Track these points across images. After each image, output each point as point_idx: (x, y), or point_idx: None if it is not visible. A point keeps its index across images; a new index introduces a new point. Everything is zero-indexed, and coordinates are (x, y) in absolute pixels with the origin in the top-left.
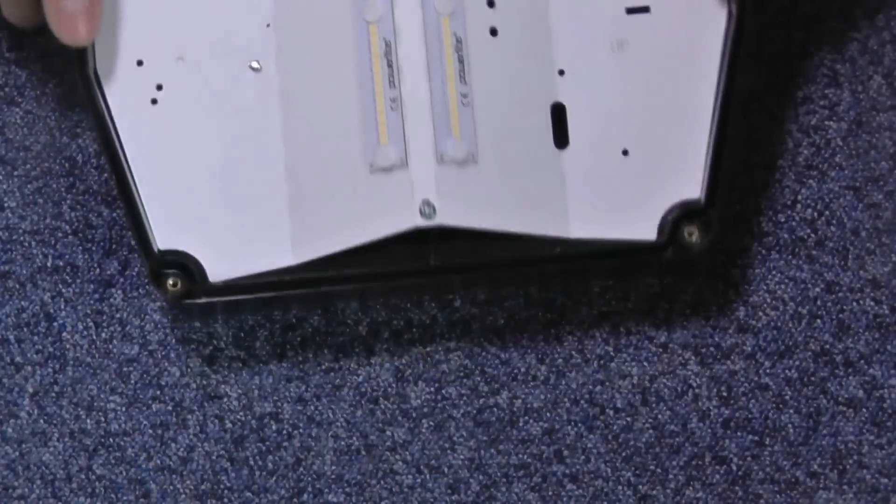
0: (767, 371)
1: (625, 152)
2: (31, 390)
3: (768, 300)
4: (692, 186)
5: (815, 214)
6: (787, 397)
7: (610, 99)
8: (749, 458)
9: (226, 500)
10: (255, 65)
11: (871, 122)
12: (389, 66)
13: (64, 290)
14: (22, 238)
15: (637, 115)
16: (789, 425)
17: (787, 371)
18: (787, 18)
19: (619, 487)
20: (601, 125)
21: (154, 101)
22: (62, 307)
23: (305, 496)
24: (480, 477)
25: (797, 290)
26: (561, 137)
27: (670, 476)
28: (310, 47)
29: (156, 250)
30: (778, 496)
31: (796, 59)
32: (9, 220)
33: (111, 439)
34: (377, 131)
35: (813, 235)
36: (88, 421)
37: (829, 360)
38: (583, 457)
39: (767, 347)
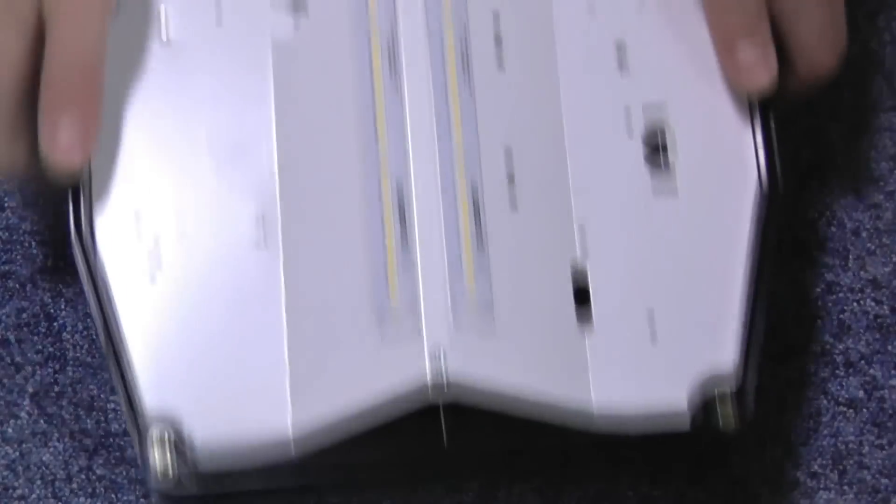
0: (768, 371)
1: (650, 318)
2: (31, 390)
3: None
4: (723, 356)
5: (816, 215)
6: (788, 398)
7: (635, 265)
8: (749, 458)
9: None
10: (259, 233)
11: (872, 122)
12: (402, 222)
13: (64, 290)
14: (22, 238)
15: (663, 283)
16: (789, 426)
17: (787, 371)
18: None
19: (619, 487)
20: (625, 293)
21: (152, 275)
22: (62, 307)
23: (305, 496)
24: (480, 477)
25: (797, 290)
26: (583, 308)
27: (670, 476)
28: (316, 213)
29: (145, 423)
30: (778, 496)
31: None
32: (9, 219)
33: (111, 439)
34: (388, 290)
35: (813, 236)
36: (88, 421)
37: (830, 361)
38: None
39: (768, 348)
